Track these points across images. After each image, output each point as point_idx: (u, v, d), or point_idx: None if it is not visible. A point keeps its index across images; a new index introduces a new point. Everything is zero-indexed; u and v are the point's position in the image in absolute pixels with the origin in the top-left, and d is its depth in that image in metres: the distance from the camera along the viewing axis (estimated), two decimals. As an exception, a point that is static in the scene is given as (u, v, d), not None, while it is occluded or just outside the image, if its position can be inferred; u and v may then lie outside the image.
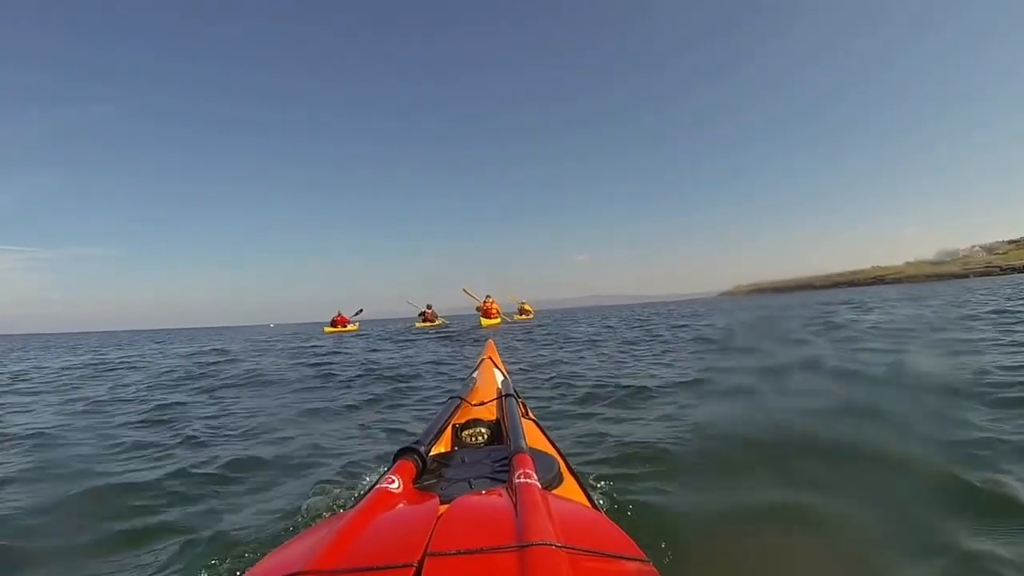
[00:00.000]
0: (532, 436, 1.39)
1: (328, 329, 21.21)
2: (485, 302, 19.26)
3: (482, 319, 18.28)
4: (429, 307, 21.11)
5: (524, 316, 22.85)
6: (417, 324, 20.39)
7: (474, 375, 2.25)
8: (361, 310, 23.32)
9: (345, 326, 21.78)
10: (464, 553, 0.62)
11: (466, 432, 1.51)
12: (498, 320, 19.01)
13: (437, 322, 20.72)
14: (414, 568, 0.60)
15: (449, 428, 1.50)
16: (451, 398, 1.67)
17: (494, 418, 1.60)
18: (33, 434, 3.37)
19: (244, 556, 1.54)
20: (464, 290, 20.00)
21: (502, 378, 2.24)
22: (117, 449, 2.93)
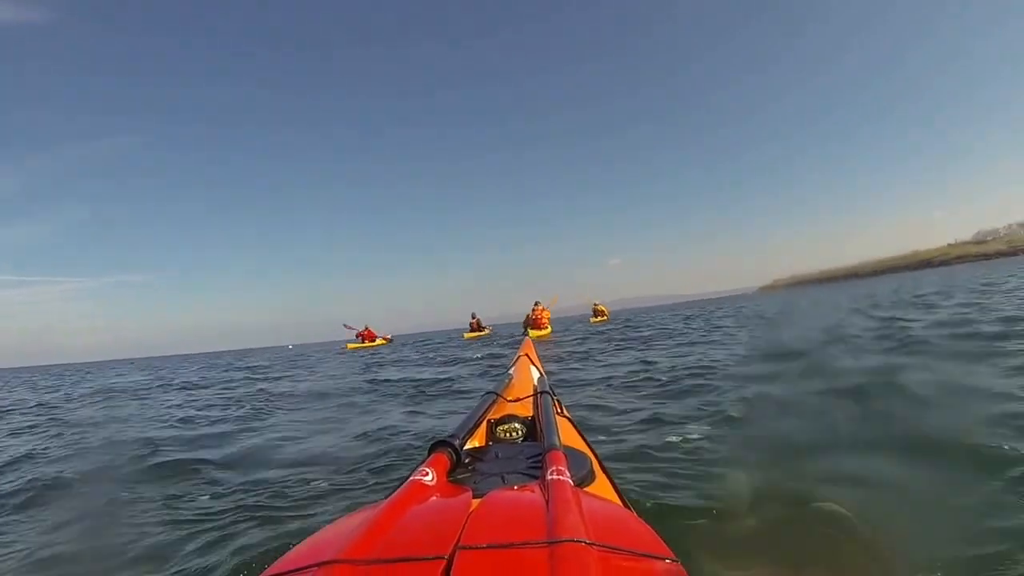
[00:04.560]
0: (566, 434, 1.36)
1: (351, 346, 19.80)
2: (535, 310, 16.51)
3: (530, 330, 14.92)
4: (474, 316, 19.61)
5: (600, 319, 20.64)
6: (465, 335, 18.81)
7: (510, 372, 2.21)
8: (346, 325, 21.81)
9: (374, 340, 20.77)
10: (495, 547, 0.60)
11: (501, 428, 1.49)
12: (548, 330, 16.20)
13: (485, 332, 19.13)
14: (445, 560, 0.59)
15: (484, 423, 1.48)
16: (487, 393, 1.65)
17: (529, 415, 1.58)
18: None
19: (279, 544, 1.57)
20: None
21: (538, 375, 2.22)
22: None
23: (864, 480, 1.78)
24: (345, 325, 21.56)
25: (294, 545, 0.69)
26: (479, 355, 9.08)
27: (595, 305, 21.60)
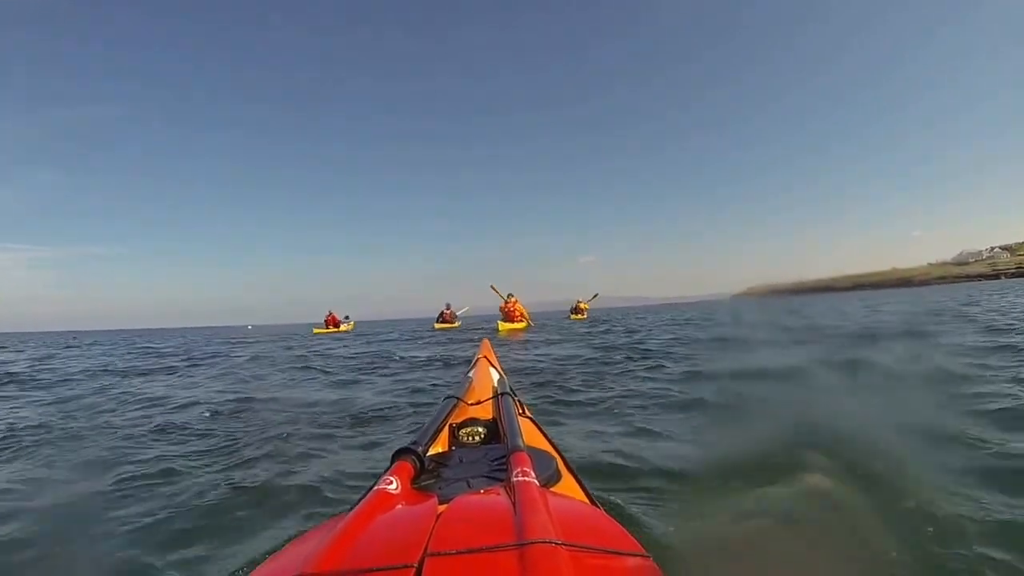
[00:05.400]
0: (529, 434, 1.37)
1: (317, 330, 20.00)
2: (507, 302, 16.59)
3: (500, 323, 15.36)
4: (448, 307, 19.74)
5: (579, 316, 21.16)
6: (436, 325, 18.80)
7: (470, 374, 2.20)
8: (347, 316, 21.91)
9: (337, 326, 20.78)
10: (464, 553, 0.61)
11: (463, 431, 1.48)
12: (523, 324, 16.08)
13: (456, 324, 19.21)
14: (414, 568, 0.59)
15: (446, 428, 1.47)
16: (447, 398, 1.63)
17: (491, 417, 1.57)
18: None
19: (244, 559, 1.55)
20: (492, 287, 18.20)
21: (498, 377, 2.21)
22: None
23: (838, 477, 1.78)
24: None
25: (261, 563, 0.69)
26: (431, 354, 7.41)
27: (578, 302, 22.01)
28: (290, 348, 11.09)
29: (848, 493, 1.67)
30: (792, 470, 1.85)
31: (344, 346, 10.94)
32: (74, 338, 27.18)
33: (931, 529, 1.43)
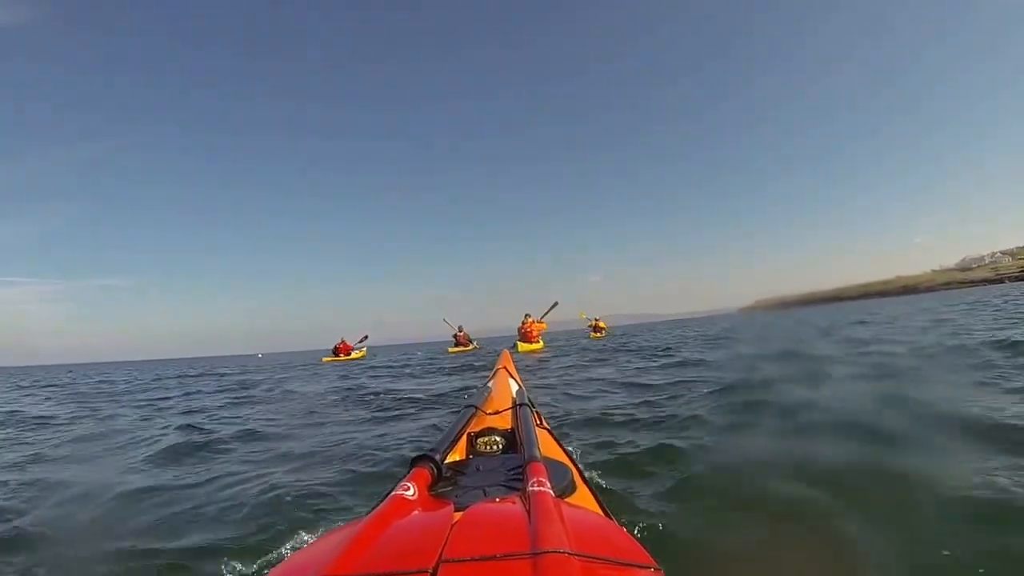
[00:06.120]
0: (546, 445, 1.39)
1: (326, 359, 19.63)
2: (524, 323, 16.66)
3: (519, 343, 15.56)
4: (461, 329, 19.53)
5: (599, 335, 20.97)
6: (450, 350, 18.50)
7: (489, 384, 2.26)
8: (366, 336, 21.58)
9: (349, 354, 20.51)
10: (478, 560, 0.62)
11: (481, 440, 1.52)
12: (540, 344, 16.19)
13: (471, 347, 19.00)
14: (428, 574, 0.60)
15: (464, 436, 1.50)
16: (466, 407, 1.68)
17: (509, 427, 1.60)
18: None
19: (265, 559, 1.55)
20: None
21: (516, 388, 2.26)
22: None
23: (849, 492, 1.75)
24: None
25: (278, 564, 0.70)
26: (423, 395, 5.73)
27: (596, 321, 22.17)
28: (247, 388, 8.78)
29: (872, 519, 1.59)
30: (806, 492, 1.77)
31: (320, 377, 9.76)
32: (70, 371, 26.29)
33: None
